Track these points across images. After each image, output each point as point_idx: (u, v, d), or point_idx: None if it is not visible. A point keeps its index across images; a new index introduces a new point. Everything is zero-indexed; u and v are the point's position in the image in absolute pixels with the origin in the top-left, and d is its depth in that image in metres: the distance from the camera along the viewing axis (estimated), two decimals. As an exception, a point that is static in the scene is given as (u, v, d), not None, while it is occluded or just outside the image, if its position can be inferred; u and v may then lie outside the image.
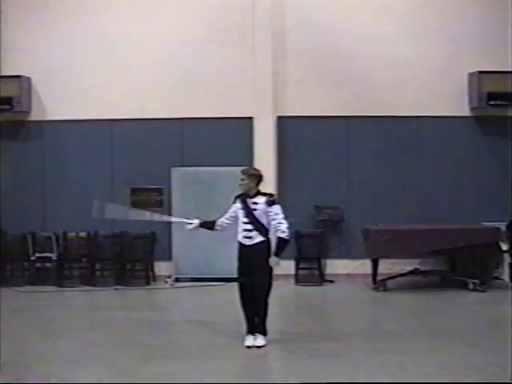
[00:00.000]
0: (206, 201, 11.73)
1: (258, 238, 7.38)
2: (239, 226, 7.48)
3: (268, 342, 7.41)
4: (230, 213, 7.62)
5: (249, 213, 7.39)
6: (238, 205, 7.50)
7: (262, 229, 7.39)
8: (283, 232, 7.31)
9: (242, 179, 7.46)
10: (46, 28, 12.57)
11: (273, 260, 7.35)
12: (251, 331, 7.47)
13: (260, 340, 7.41)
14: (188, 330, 8.49)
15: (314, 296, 11.17)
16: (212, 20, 12.52)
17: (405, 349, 7.41)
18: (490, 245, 11.08)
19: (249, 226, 7.38)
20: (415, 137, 12.56)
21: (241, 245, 7.47)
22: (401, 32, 12.46)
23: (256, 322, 7.48)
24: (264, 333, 7.47)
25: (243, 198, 7.49)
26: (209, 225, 7.83)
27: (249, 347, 7.33)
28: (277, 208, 7.40)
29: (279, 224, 7.34)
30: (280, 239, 7.36)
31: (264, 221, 7.39)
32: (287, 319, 9.47)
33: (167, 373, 6.60)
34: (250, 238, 7.39)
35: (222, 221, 7.71)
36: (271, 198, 7.46)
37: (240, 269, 7.48)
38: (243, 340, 7.45)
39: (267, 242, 7.43)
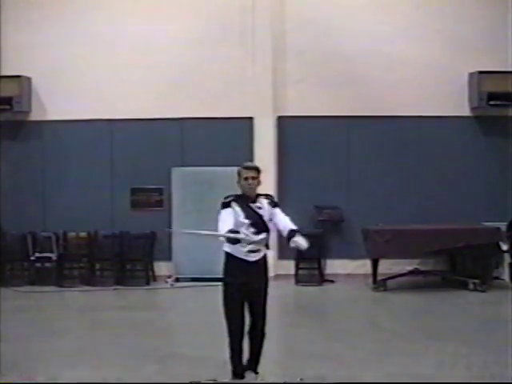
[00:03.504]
0: (206, 201, 11.72)
1: (264, 251, 6.06)
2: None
3: (267, 343, 7.24)
4: (231, 219, 5.93)
5: (257, 220, 5.93)
6: (239, 211, 5.94)
7: (269, 239, 6.10)
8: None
9: (253, 177, 6.00)
10: (46, 28, 12.58)
11: (301, 240, 5.86)
12: (240, 375, 6.14)
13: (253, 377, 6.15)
14: (188, 330, 8.49)
15: (314, 296, 11.16)
16: (212, 20, 12.52)
17: (405, 349, 7.40)
18: (489, 245, 11.07)
19: (257, 238, 5.91)
20: (415, 137, 12.56)
21: (241, 261, 5.97)
22: (401, 32, 12.46)
23: (248, 358, 6.22)
24: (257, 371, 6.19)
25: (243, 202, 6.01)
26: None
27: None
28: (279, 209, 6.16)
29: (289, 222, 6.06)
30: (294, 230, 5.97)
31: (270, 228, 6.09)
32: (287, 319, 9.46)
33: (167, 373, 6.60)
34: (257, 251, 5.98)
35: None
36: (273, 199, 6.21)
37: (234, 296, 5.97)
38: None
39: (266, 257, 6.17)
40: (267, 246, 6.15)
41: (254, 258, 5.99)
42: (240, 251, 5.94)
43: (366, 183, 12.55)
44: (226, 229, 5.79)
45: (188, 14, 12.56)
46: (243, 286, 5.95)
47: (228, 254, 6.06)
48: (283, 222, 6.06)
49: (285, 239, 6.06)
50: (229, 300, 6.03)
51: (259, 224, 5.96)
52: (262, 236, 5.92)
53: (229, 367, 6.39)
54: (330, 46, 12.51)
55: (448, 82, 12.45)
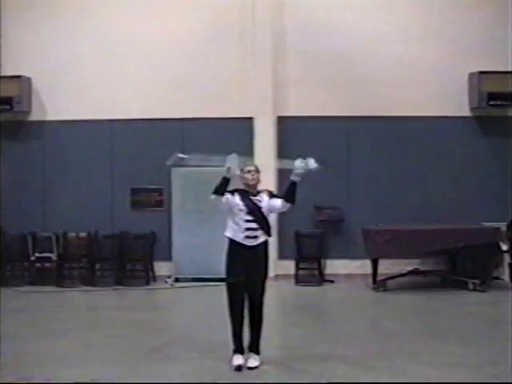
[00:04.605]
0: (206, 201, 11.66)
1: (262, 238, 6.66)
2: (236, 225, 6.63)
3: (267, 343, 7.31)
4: (228, 198, 6.59)
5: (254, 209, 6.61)
6: (238, 199, 6.62)
7: (266, 227, 6.69)
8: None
9: (256, 171, 6.76)
10: (46, 28, 12.59)
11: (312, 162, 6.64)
12: (241, 350, 6.73)
13: (253, 360, 6.66)
14: (187, 330, 8.48)
15: (314, 296, 11.16)
16: (212, 20, 12.52)
17: (405, 349, 7.40)
18: (489, 245, 11.07)
19: (253, 225, 6.60)
20: (415, 137, 12.56)
21: (240, 245, 6.61)
22: (401, 32, 12.47)
23: (249, 340, 6.78)
24: (258, 351, 6.73)
25: (244, 194, 6.70)
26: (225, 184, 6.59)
27: (239, 367, 6.56)
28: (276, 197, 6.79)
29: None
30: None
31: (268, 218, 6.73)
32: (287, 319, 9.47)
33: (167, 373, 6.60)
34: (254, 237, 6.60)
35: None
36: (272, 192, 6.91)
37: (235, 273, 6.62)
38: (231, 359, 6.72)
39: (267, 242, 6.76)
40: (268, 234, 6.70)
41: (251, 243, 6.61)
42: (238, 236, 6.61)
43: (366, 183, 12.56)
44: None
45: (188, 14, 12.56)
46: (243, 269, 6.56)
47: (229, 240, 6.70)
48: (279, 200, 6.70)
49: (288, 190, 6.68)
50: (230, 286, 6.66)
51: (256, 213, 6.62)
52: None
53: (227, 366, 6.57)
54: (330, 46, 12.51)
55: (448, 82, 12.45)
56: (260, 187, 6.88)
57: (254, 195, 6.72)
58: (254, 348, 6.74)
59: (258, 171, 6.81)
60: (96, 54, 12.54)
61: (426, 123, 12.48)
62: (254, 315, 6.70)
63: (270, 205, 6.71)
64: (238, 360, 6.62)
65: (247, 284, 6.62)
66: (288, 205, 6.68)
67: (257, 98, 12.38)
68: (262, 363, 6.71)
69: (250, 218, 6.61)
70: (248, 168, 6.78)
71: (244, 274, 6.59)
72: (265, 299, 6.77)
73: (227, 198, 6.60)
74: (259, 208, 6.65)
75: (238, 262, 6.62)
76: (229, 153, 6.74)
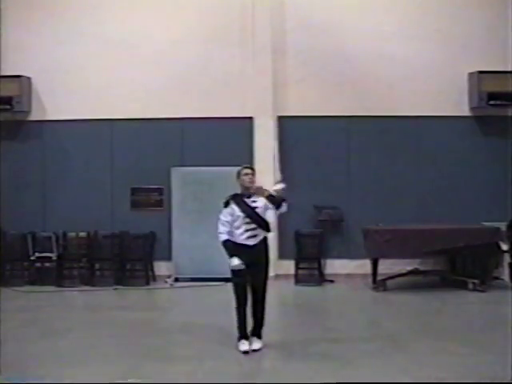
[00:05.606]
0: (206, 201, 11.74)
1: (262, 235, 7.28)
2: (238, 229, 7.23)
3: (266, 343, 7.40)
4: (228, 219, 7.25)
5: (251, 212, 7.22)
6: (235, 207, 7.24)
7: (264, 224, 7.28)
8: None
9: (252, 174, 7.36)
10: (46, 28, 12.59)
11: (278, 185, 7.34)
12: (245, 336, 7.31)
13: (257, 343, 7.32)
14: (187, 330, 8.48)
15: (314, 296, 11.16)
16: (212, 20, 12.52)
17: (405, 349, 7.41)
18: (489, 245, 11.06)
19: (252, 226, 7.21)
20: (415, 137, 12.57)
21: (242, 246, 7.20)
22: (401, 32, 12.47)
23: (252, 326, 7.39)
24: (260, 336, 7.39)
25: (239, 199, 7.31)
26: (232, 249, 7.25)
27: (246, 352, 7.15)
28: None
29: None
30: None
31: (265, 216, 7.32)
32: (287, 319, 9.47)
33: (166, 373, 6.60)
34: (254, 236, 7.23)
35: (228, 231, 7.24)
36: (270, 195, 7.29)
37: (240, 272, 7.18)
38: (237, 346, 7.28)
39: (266, 238, 7.35)
40: (268, 230, 7.30)
41: (252, 242, 7.24)
42: (240, 238, 7.23)
43: (365, 183, 12.56)
44: (223, 235, 7.22)
45: (188, 13, 12.56)
46: (247, 267, 7.12)
47: (233, 242, 7.24)
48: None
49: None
50: (235, 279, 7.23)
51: (253, 216, 7.23)
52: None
53: (227, 366, 6.63)
54: (330, 46, 12.51)
55: (448, 82, 12.45)
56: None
57: (249, 196, 7.31)
58: (257, 333, 7.37)
59: (254, 173, 7.39)
60: (96, 54, 12.53)
61: (425, 123, 12.48)
62: (258, 305, 7.29)
63: (267, 205, 7.29)
64: (244, 346, 7.21)
65: (252, 278, 7.23)
66: (275, 210, 7.29)
67: (257, 97, 12.38)
68: (266, 344, 7.31)
69: (248, 220, 7.23)
70: (245, 171, 7.36)
71: (248, 270, 7.16)
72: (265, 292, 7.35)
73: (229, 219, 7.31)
74: (254, 209, 7.25)
75: (242, 261, 7.14)
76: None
